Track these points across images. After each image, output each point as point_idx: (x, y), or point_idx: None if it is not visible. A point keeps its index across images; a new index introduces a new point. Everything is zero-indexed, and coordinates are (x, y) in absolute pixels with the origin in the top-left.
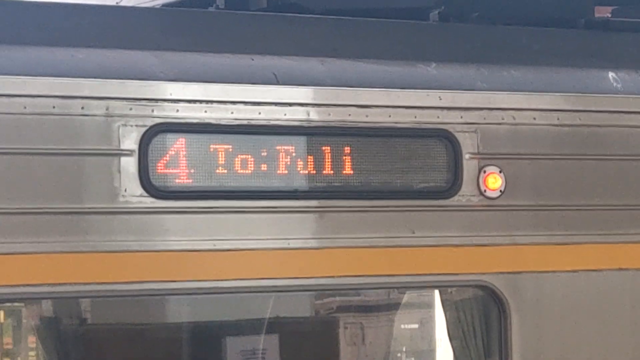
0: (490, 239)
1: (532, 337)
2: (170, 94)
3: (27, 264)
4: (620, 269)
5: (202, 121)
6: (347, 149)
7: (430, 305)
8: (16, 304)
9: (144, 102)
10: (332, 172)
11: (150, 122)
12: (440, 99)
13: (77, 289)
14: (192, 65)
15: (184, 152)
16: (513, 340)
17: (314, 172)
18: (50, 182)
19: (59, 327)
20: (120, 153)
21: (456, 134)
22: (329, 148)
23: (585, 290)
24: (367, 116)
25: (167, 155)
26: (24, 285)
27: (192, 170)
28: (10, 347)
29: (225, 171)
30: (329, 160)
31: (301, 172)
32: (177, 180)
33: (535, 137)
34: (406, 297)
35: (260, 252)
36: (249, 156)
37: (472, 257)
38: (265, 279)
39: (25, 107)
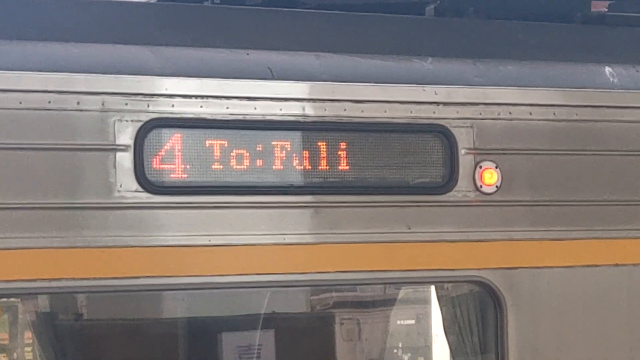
0: (486, 235)
1: (528, 333)
2: (166, 89)
3: (22, 259)
4: (617, 265)
5: (197, 116)
6: (342, 144)
7: (426, 301)
8: (12, 299)
9: (139, 97)
10: (327, 167)
11: (145, 117)
12: (436, 94)
13: (73, 284)
14: (187, 60)
15: (180, 147)
16: (509, 336)
17: (310, 167)
18: (45, 177)
19: (55, 322)
20: (115, 148)
21: (452, 129)
22: (324, 143)
23: (581, 286)
24: (362, 111)
25: (163, 151)
26: (19, 281)
27: (188, 166)
28: (6, 342)
29: (221, 166)
30: (325, 155)
31: (297, 167)
32: (172, 176)
33: (531, 132)
34: (402, 293)
35: (255, 248)
36: (245, 151)
37: (468, 252)
38: (260, 274)
39: (20, 102)
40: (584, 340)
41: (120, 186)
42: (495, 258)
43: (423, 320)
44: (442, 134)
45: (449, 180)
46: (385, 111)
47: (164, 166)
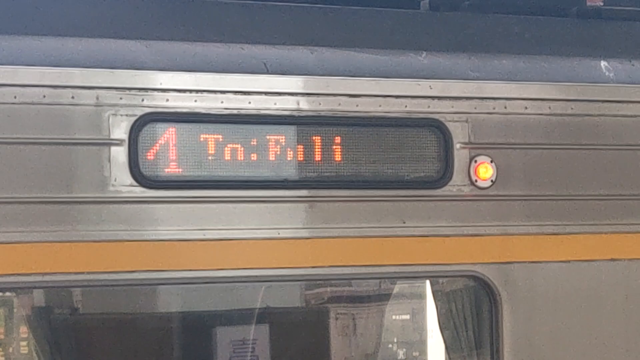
0: (481, 229)
1: (524, 328)
2: (160, 84)
3: (17, 253)
4: (613, 260)
5: (192, 111)
6: (337, 139)
7: (421, 296)
8: (7, 293)
9: (134, 92)
10: (322, 161)
11: (140, 112)
12: (431, 88)
13: (68, 278)
14: (182, 54)
15: (174, 142)
16: (504, 331)
17: (304, 161)
18: (40, 171)
19: (50, 316)
20: (110, 142)
21: (447, 124)
22: (319, 137)
23: (577, 281)
24: (357, 105)
25: (157, 145)
26: (14, 275)
27: (182, 160)
28: (1, 336)
29: (215, 161)
30: (319, 149)
31: (291, 161)
32: (167, 170)
33: (526, 126)
34: (397, 288)
35: (250, 242)
36: (239, 146)
37: (463, 247)
38: (255, 268)
39: (15, 97)
40: (579, 335)
41: (115, 180)
42: (491, 253)
43: (418, 315)
44: (437, 128)
45: (444, 174)
46: (380, 105)
47: (158, 160)
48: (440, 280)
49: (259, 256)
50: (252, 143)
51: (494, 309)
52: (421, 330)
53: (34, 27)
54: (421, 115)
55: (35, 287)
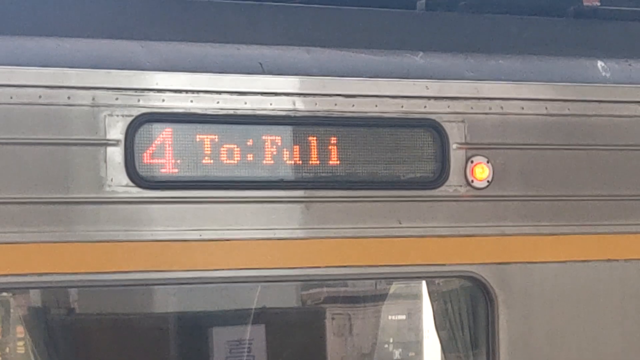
0: (477, 230)
1: (520, 328)
2: (157, 84)
3: (13, 253)
4: (609, 260)
5: (188, 111)
6: (333, 139)
7: (417, 296)
8: (3, 293)
9: (130, 92)
10: (318, 162)
11: (136, 112)
12: (428, 89)
13: (64, 278)
14: (178, 54)
15: (170, 142)
16: (500, 331)
17: (300, 162)
18: (36, 171)
19: (47, 316)
20: (106, 143)
21: (443, 124)
22: (315, 138)
23: (573, 281)
24: (353, 106)
25: (153, 145)
26: (10, 275)
27: (178, 160)
28: None
29: (212, 161)
30: (316, 150)
31: (287, 162)
32: (163, 170)
33: (523, 127)
34: (393, 288)
35: (246, 242)
36: (235, 146)
37: (460, 247)
38: (251, 269)
39: (11, 97)
40: (575, 335)
41: (111, 181)
42: (487, 253)
43: (414, 315)
44: (434, 128)
45: (440, 175)
46: (376, 106)
47: (154, 161)
48: (436, 280)
49: (255, 256)
50: (248, 143)
51: (490, 309)
52: (417, 330)
53: (30, 27)
54: (417, 116)
55: (31, 288)
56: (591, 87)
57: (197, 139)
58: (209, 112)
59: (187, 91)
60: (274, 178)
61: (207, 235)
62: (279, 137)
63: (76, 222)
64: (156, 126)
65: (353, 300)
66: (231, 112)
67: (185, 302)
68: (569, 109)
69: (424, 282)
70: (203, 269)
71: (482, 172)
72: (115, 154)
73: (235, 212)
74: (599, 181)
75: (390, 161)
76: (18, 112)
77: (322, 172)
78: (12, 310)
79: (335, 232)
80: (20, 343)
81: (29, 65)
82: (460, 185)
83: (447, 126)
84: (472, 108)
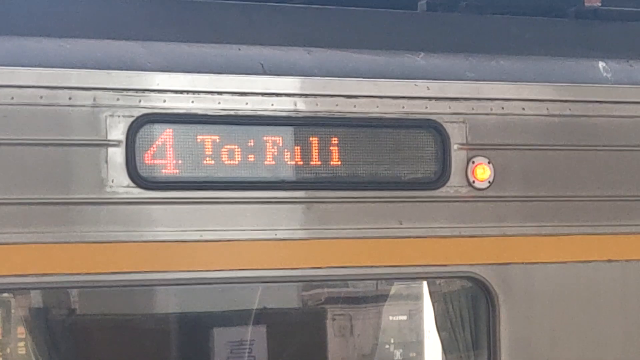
0: (478, 230)
1: (521, 328)
2: (158, 85)
3: (14, 254)
4: (610, 261)
5: (189, 112)
6: (334, 140)
7: (418, 297)
8: (4, 294)
9: (131, 93)
10: (319, 162)
11: (137, 113)
12: (429, 89)
13: (65, 279)
14: (179, 55)
15: (171, 143)
16: (502, 332)
17: (302, 162)
18: (37, 172)
19: (47, 317)
20: (107, 143)
21: (444, 125)
22: (316, 138)
23: (574, 282)
24: (354, 106)
25: (154, 146)
26: (12, 276)
27: (179, 161)
28: None
29: (213, 162)
30: (317, 150)
31: (288, 162)
32: (164, 171)
33: (524, 127)
34: (394, 289)
35: (247, 243)
36: (236, 147)
37: (461, 248)
38: (252, 269)
39: (12, 98)
40: (576, 336)
41: (112, 181)
42: (488, 254)
43: (415, 316)
44: (435, 129)
45: (441, 175)
46: (377, 106)
47: (155, 161)
48: (438, 281)
49: (256, 257)
50: (249, 144)
51: (491, 310)
52: (418, 331)
53: (31, 28)
54: (418, 116)
55: (32, 288)
56: (592, 88)
57: (198, 140)
58: (210, 112)
59: (188, 92)
60: (275, 179)
61: (208, 235)
62: (280, 138)
63: (77, 222)
64: (157, 127)
65: (354, 300)
66: (232, 112)
67: (186, 303)
68: (570, 110)
69: (425, 283)
70: (204, 269)
71: (483, 172)
72: (117, 155)
73: (236, 213)
74: (600, 182)
75: (392, 162)
76: (19, 112)
77: (323, 173)
78: (13, 311)
79: (336, 232)
80: (21, 344)
81: (30, 66)
82: (462, 186)
83: (448, 127)
84: (473, 109)
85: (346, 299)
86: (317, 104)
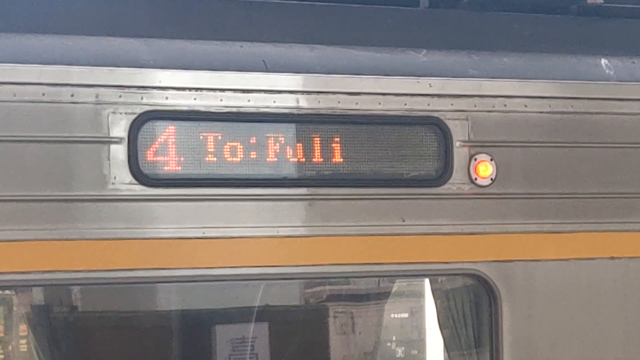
0: (481, 227)
1: (523, 326)
2: (160, 82)
3: (16, 251)
4: (612, 258)
5: (191, 109)
6: (336, 137)
7: (420, 294)
8: (6, 291)
9: (133, 90)
10: (321, 159)
11: (139, 110)
12: (431, 86)
13: (67, 276)
14: (181, 52)
15: (174, 140)
16: (504, 329)
17: (304, 159)
18: (39, 169)
19: (49, 314)
20: (109, 141)
21: (447, 122)
22: (318, 135)
23: (576, 279)
24: (357, 104)
25: (157, 143)
26: (13, 273)
27: (182, 158)
28: (1, 334)
29: (215, 159)
30: (319, 147)
31: (291, 159)
32: (166, 168)
33: (526, 124)
34: (396, 286)
35: (249, 240)
36: (239, 144)
37: (463, 245)
38: (254, 267)
39: (14, 95)
40: (578, 333)
41: (115, 178)
42: (490, 251)
43: (417, 313)
44: (437, 126)
45: (444, 172)
46: (380, 103)
47: (158, 158)
48: (440, 278)
49: (258, 254)
50: (251, 141)
51: (494, 307)
52: (420, 328)
53: (34, 25)
54: (421, 113)
55: (34, 285)
56: (595, 85)
57: (201, 137)
58: (212, 109)
59: (190, 89)
60: (278, 176)
61: (210, 232)
62: (283, 135)
63: (79, 219)
64: (159, 124)
65: (356, 298)
66: (234, 109)
67: (188, 300)
68: (572, 107)
69: (427, 280)
70: (206, 266)
71: (485, 169)
72: (119, 152)
73: (239, 210)
74: (603, 179)
75: (394, 159)
76: (21, 109)
77: (326, 170)
78: (14, 308)
79: (339, 229)
80: (23, 341)
81: (32, 63)
82: (464, 183)
83: (450, 124)
84: (475, 106)
85: (348, 297)
86: (319, 101)
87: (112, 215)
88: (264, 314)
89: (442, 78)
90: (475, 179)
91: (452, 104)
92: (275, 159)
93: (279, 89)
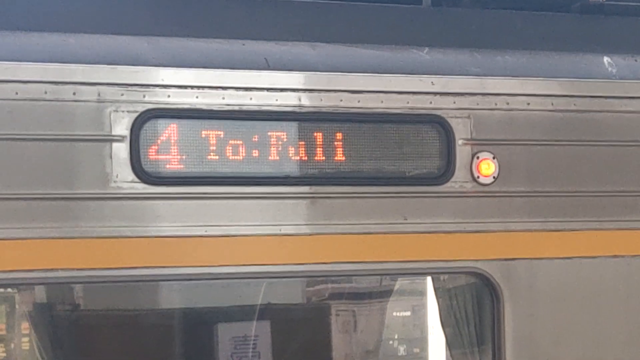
0: (483, 226)
1: (525, 324)
2: (162, 80)
3: (19, 249)
4: (615, 256)
5: (193, 107)
6: (339, 135)
7: (422, 292)
8: (9, 290)
9: (135, 88)
10: (324, 158)
11: (141, 108)
12: (433, 84)
13: (69, 274)
14: (183, 50)
15: (176, 138)
16: (506, 328)
17: (306, 158)
18: (41, 167)
19: (52, 312)
20: (111, 139)
21: (449, 120)
22: (320, 134)
23: (579, 277)
24: (359, 102)
25: (159, 141)
26: (16, 271)
27: (184, 156)
28: (3, 332)
29: (217, 157)
30: (321, 146)
31: (293, 158)
32: (168, 166)
33: (529, 122)
34: (399, 284)
35: (251, 238)
36: (241, 142)
37: (465, 243)
38: (256, 265)
39: (17, 93)
40: (581, 331)
41: (117, 177)
42: (493, 249)
43: (419, 311)
44: (439, 124)
45: (446, 171)
46: (382, 101)
47: (160, 157)
48: (442, 276)
49: (261, 253)
50: (253, 139)
51: (496, 305)
52: (422, 326)
53: (36, 23)
54: (423, 112)
55: (37, 284)
56: (597, 83)
57: (203, 135)
58: (214, 107)
59: (192, 87)
60: (280, 174)
61: (212, 231)
62: (285, 133)
63: (81, 218)
64: (161, 122)
65: (358, 296)
66: (236, 107)
67: (191, 299)
68: (575, 105)
69: (429, 278)
70: (208, 265)
71: (487, 168)
72: (121, 150)
73: (241, 208)
74: (605, 177)
75: (396, 157)
76: (23, 107)
77: (328, 168)
78: (17, 306)
79: (341, 228)
80: (25, 339)
81: (34, 61)
82: (466, 181)
83: (452, 122)
84: (477, 104)
85: (350, 295)
86: (321, 99)
87: (114, 213)
88: (266, 312)
89: (444, 76)
90: (478, 177)
91: (454, 102)
92: (277, 157)
93: (281, 87)
